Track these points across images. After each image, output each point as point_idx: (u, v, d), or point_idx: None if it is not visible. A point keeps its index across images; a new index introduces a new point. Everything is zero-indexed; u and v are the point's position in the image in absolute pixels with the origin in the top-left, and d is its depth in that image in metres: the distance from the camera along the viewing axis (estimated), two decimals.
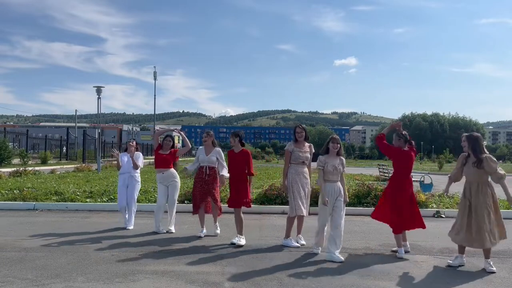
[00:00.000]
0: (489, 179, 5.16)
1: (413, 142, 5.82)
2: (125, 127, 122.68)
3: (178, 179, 7.19)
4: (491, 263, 4.97)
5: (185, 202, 9.51)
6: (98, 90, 23.14)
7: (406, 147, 5.72)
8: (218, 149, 6.78)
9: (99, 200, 9.91)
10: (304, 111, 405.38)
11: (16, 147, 31.77)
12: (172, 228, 6.98)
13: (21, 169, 16.32)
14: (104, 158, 30.57)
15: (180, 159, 12.35)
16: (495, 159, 5.13)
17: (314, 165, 5.75)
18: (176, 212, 7.24)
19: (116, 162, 7.60)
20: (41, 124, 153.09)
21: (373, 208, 6.49)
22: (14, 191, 10.40)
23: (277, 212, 9.09)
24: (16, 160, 24.51)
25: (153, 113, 44.85)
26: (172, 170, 7.11)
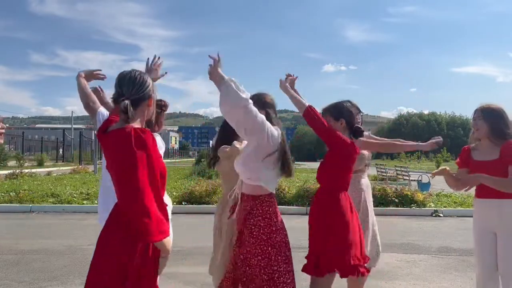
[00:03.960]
0: None
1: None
2: None
3: None
4: None
5: (183, 203, 9.49)
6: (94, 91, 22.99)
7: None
8: None
9: (96, 202, 9.82)
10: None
11: (12, 149, 31.55)
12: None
13: (17, 171, 16.20)
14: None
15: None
16: None
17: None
18: (173, 213, 7.19)
19: None
20: (37, 126, 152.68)
21: None
22: (10, 194, 10.33)
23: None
24: (12, 163, 24.36)
25: None
26: None
